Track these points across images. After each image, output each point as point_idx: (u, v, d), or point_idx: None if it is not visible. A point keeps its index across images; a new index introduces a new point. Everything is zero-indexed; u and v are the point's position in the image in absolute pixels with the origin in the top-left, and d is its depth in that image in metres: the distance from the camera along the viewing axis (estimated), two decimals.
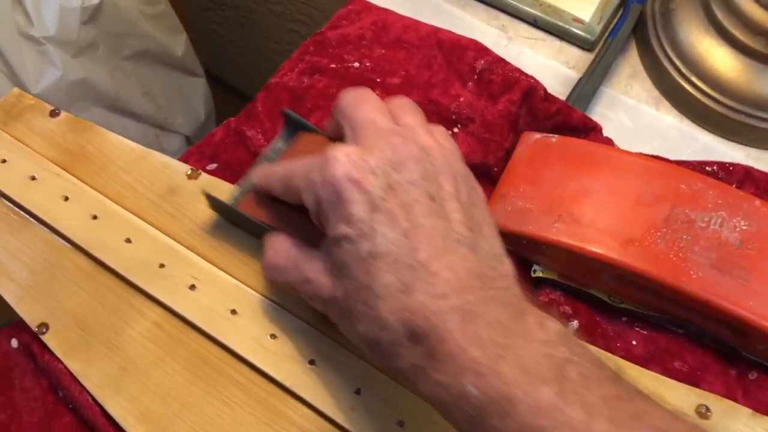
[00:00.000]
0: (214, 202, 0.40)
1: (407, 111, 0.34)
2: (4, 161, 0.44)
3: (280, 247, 0.35)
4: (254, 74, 1.45)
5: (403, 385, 0.30)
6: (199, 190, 0.43)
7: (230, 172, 0.45)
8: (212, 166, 0.46)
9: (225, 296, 0.40)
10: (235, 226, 0.42)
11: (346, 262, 0.30)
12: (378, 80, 0.48)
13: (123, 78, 0.96)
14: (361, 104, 0.33)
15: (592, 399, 0.25)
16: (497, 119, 0.44)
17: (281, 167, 0.36)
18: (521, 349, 0.26)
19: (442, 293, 0.28)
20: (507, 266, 0.31)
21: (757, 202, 0.40)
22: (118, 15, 0.91)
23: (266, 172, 0.37)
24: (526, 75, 0.45)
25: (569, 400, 0.25)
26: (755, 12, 0.45)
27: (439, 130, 0.34)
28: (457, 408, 0.27)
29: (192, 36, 1.06)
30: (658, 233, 0.39)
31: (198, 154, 0.46)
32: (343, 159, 0.30)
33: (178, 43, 1.02)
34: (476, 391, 0.26)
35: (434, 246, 0.29)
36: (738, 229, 0.39)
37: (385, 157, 0.30)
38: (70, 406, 0.38)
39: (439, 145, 0.32)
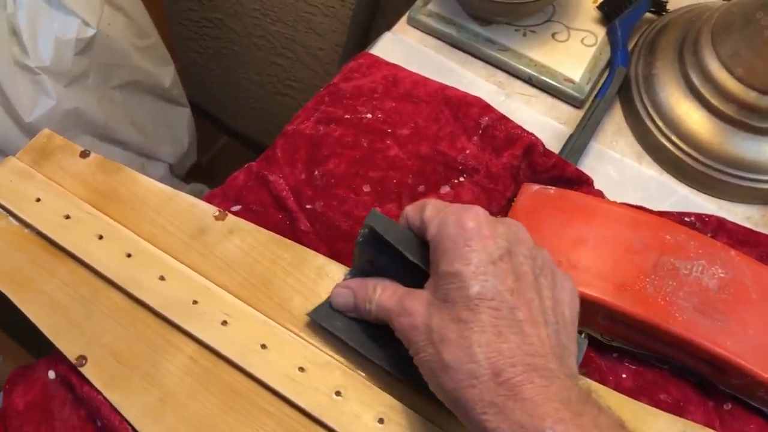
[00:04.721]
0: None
1: None
2: (38, 200, 0.47)
3: (388, 286, 0.39)
4: (231, 102, 1.48)
5: (457, 414, 0.33)
6: (227, 231, 0.46)
7: (253, 215, 0.49)
8: (236, 208, 0.49)
9: (255, 331, 0.43)
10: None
11: (451, 297, 0.33)
12: (389, 131, 0.52)
13: (111, 107, 0.98)
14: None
15: None
16: (501, 171, 0.49)
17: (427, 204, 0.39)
18: (594, 416, 0.31)
19: (531, 352, 0.32)
20: (575, 365, 0.35)
21: (732, 252, 0.46)
22: (109, 46, 0.92)
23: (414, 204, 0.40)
24: (528, 132, 0.50)
25: None
26: (728, 82, 0.51)
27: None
28: None
29: (177, 66, 1.08)
30: (647, 279, 0.44)
31: (222, 196, 0.50)
32: (481, 215, 0.35)
33: (167, 74, 1.05)
34: None
35: (531, 314, 0.33)
36: (716, 276, 0.44)
37: (510, 231, 0.35)
38: None
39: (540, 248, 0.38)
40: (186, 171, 1.25)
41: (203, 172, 1.37)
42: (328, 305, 0.43)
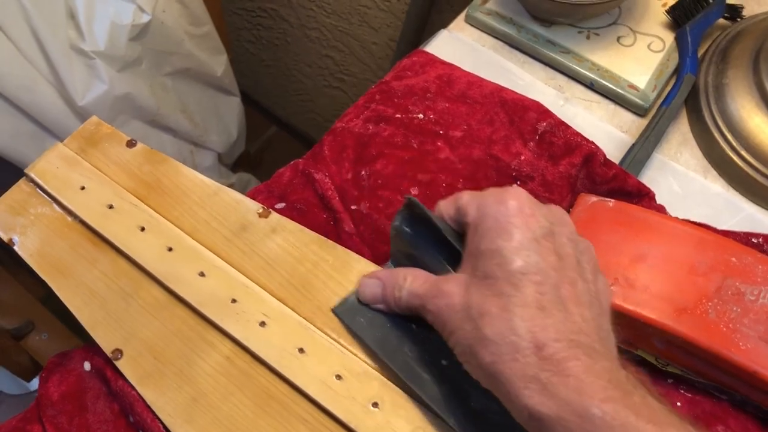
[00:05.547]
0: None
1: None
2: (83, 188, 0.46)
3: (420, 274, 0.38)
4: (281, 93, 1.47)
5: (496, 391, 0.32)
6: (270, 229, 0.45)
7: (297, 213, 0.47)
8: (280, 206, 0.48)
9: (293, 334, 0.41)
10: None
11: (493, 272, 0.32)
12: (441, 132, 0.50)
13: (163, 94, 0.98)
14: None
15: None
16: (557, 180, 0.47)
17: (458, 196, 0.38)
18: (644, 396, 0.29)
19: (575, 330, 0.31)
20: (615, 347, 0.33)
21: None
22: (163, 33, 0.92)
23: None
24: (588, 140, 0.47)
25: None
26: None
27: None
28: (572, 425, 0.29)
29: (229, 56, 1.08)
30: (710, 303, 0.41)
31: (266, 192, 0.48)
32: (522, 194, 0.34)
33: (219, 63, 1.04)
34: (602, 414, 0.28)
35: (574, 292, 0.32)
36: None
37: (552, 212, 0.35)
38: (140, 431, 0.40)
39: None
40: (234, 160, 1.25)
41: (251, 161, 1.37)
42: (355, 299, 0.42)
